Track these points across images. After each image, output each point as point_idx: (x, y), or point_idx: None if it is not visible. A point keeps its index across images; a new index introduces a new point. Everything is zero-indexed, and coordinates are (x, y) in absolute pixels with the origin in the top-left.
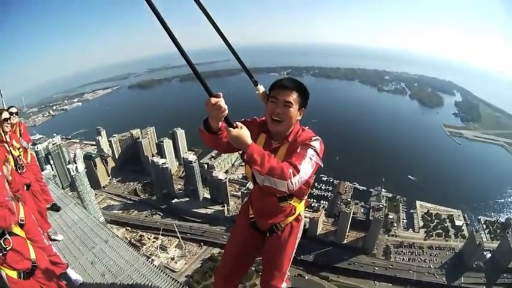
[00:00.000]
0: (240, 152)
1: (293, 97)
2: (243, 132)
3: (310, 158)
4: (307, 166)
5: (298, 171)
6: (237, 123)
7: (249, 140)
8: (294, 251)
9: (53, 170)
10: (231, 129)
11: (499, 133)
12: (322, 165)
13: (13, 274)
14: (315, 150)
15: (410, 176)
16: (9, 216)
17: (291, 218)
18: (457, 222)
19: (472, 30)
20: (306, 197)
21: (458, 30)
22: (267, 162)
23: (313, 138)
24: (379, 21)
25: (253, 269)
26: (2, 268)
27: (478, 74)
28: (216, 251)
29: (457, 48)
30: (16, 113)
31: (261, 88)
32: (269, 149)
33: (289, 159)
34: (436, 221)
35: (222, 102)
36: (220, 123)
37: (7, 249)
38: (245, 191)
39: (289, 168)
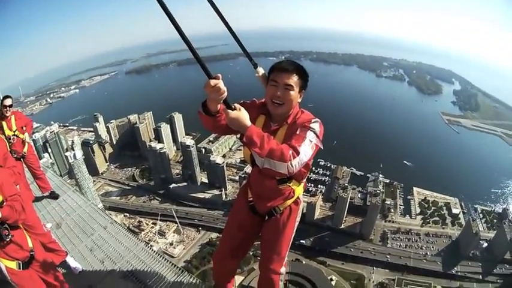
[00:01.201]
0: (239, 134)
1: (293, 80)
2: (242, 114)
3: (310, 140)
4: (307, 148)
5: (298, 153)
6: (236, 105)
7: (248, 122)
8: (293, 235)
9: (51, 158)
10: (229, 111)
11: (497, 123)
12: (322, 147)
13: (12, 265)
14: (315, 132)
15: (405, 161)
16: (22, 212)
17: (289, 201)
18: (454, 210)
19: (472, 20)
20: (304, 180)
21: (458, 20)
22: (267, 144)
23: (313, 120)
24: (378, 8)
25: (251, 253)
26: (1, 260)
27: (477, 64)
28: (214, 235)
29: (457, 38)
30: (10, 106)
31: (261, 70)
32: (268, 131)
33: (288, 141)
34: (433, 208)
35: (221, 84)
36: (218, 105)
37: (9, 237)
38: (243, 175)
39: (289, 150)
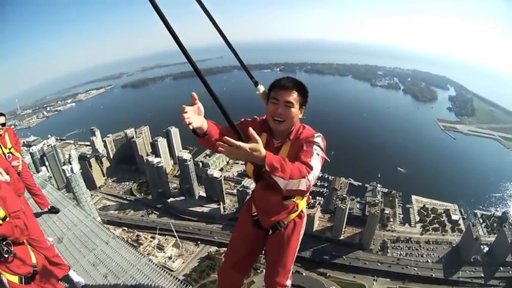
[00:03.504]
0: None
1: (293, 97)
2: (259, 145)
3: (318, 154)
4: (317, 162)
5: (311, 168)
6: (251, 133)
7: (263, 150)
8: (298, 248)
9: (48, 171)
10: (242, 144)
11: (493, 127)
12: (329, 160)
13: (14, 279)
14: (320, 146)
15: (399, 168)
16: (24, 230)
17: (293, 215)
18: (454, 217)
19: (466, 25)
20: (308, 194)
21: (452, 25)
22: (287, 166)
23: (316, 135)
24: (370, 17)
25: None
26: (2, 273)
27: (472, 69)
28: (213, 249)
29: (450, 43)
30: (3, 124)
31: (261, 88)
32: (271, 148)
33: (297, 157)
34: (432, 215)
35: (186, 114)
36: (204, 127)
37: (10, 254)
38: (240, 189)
39: (303, 167)
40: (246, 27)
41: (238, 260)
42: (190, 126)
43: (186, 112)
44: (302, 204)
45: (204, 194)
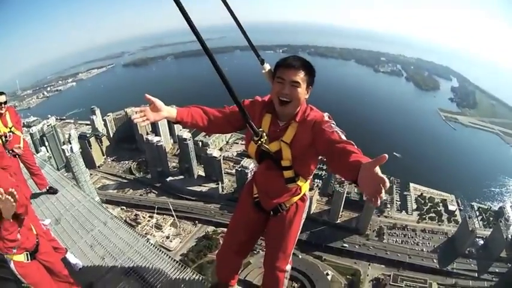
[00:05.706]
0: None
1: (300, 76)
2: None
3: (340, 131)
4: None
5: (352, 144)
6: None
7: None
8: (299, 232)
9: (48, 151)
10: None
11: (494, 121)
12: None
13: (21, 258)
14: (334, 124)
15: (395, 153)
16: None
17: (296, 198)
18: (450, 207)
19: (472, 17)
20: (311, 177)
21: (457, 16)
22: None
23: (325, 115)
24: (376, 3)
25: None
26: (12, 256)
27: (475, 61)
28: (210, 229)
29: (455, 34)
30: (5, 103)
31: (267, 67)
32: (276, 129)
33: (327, 141)
34: (429, 204)
35: (136, 115)
36: (173, 116)
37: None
38: (239, 169)
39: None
40: (248, 8)
41: (238, 243)
42: (144, 123)
43: (138, 112)
44: (305, 187)
45: (203, 174)
